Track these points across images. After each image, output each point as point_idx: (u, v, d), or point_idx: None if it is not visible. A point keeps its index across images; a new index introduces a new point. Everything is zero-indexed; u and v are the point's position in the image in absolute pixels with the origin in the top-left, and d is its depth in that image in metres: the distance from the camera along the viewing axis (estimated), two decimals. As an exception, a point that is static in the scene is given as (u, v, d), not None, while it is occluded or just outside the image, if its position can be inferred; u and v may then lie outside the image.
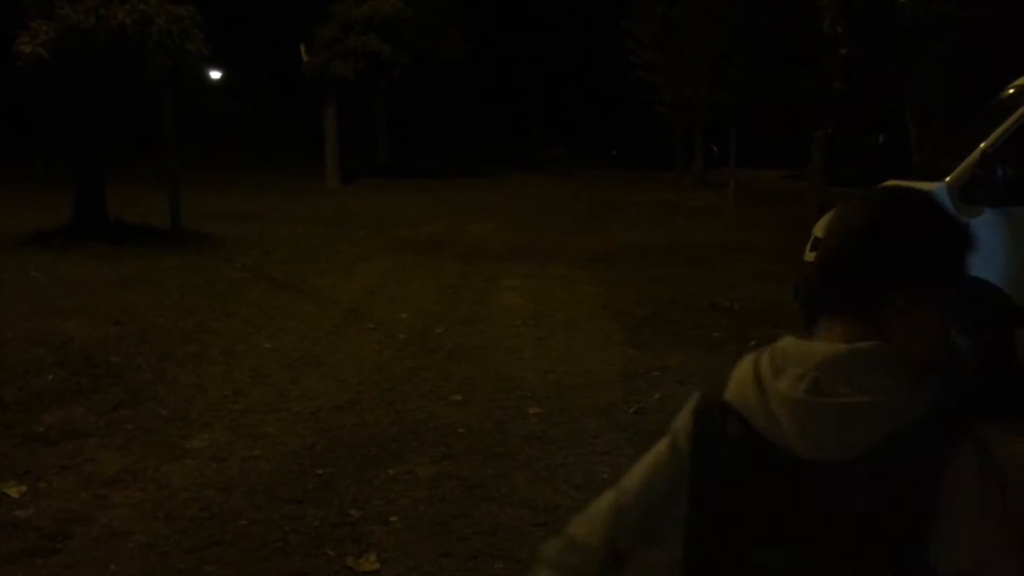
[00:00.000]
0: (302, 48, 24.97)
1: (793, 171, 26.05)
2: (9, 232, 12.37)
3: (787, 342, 1.21)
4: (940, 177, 6.04)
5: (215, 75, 29.14)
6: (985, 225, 5.77)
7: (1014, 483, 1.20)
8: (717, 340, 7.59)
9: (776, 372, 1.18)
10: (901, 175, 7.08)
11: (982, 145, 5.80)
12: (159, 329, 7.52)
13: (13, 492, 4.19)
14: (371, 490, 4.35)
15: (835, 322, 1.20)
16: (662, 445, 1.35)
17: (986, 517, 1.10)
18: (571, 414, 5.44)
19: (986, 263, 5.77)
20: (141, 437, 5.00)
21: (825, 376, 1.14)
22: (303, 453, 4.82)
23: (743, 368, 1.23)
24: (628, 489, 1.37)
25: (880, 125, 23.91)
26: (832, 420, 1.12)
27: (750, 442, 1.18)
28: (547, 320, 8.33)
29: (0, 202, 16.23)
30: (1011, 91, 6.32)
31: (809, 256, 6.74)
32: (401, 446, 4.96)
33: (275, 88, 38.35)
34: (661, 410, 5.59)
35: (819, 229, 6.77)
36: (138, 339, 7.13)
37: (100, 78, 12.05)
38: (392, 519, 4.04)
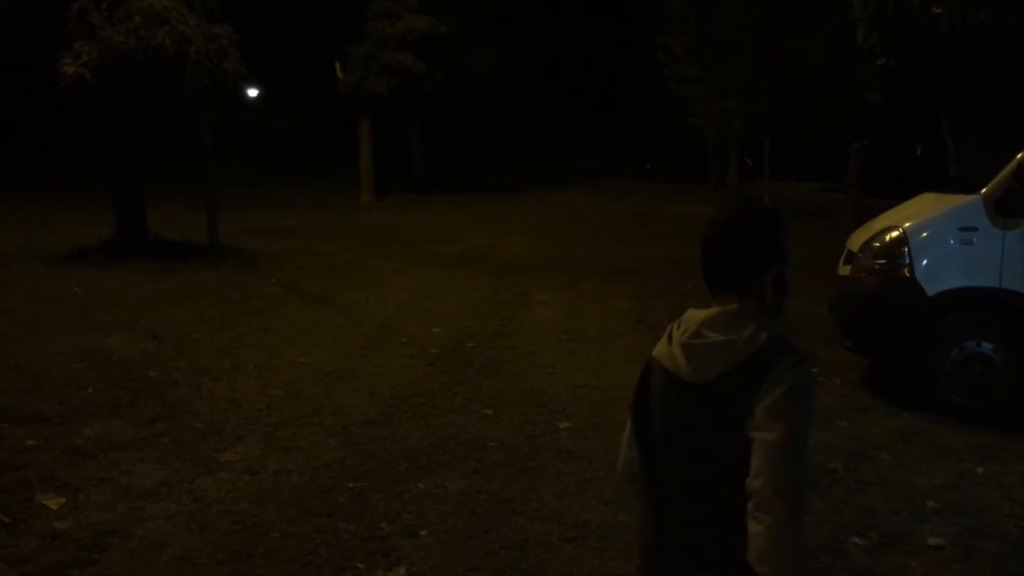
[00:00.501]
0: (337, 65, 25.29)
1: (830, 183, 25.80)
2: (52, 249, 12.66)
3: (689, 312, 1.82)
4: (976, 189, 5.97)
5: (252, 93, 29.58)
6: (1021, 238, 5.69)
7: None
8: (750, 354, 7.53)
9: (678, 330, 1.81)
10: (937, 187, 7.00)
11: (1019, 156, 5.72)
12: (196, 344, 7.65)
13: (53, 504, 4.28)
14: (401, 504, 4.38)
15: (718, 295, 1.80)
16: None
17: (781, 400, 1.64)
18: (602, 429, 5.43)
19: (1022, 276, 5.69)
20: (177, 450, 5.09)
21: (703, 328, 1.75)
22: (335, 466, 4.87)
23: (665, 334, 1.84)
24: (626, 431, 1.98)
25: (917, 136, 23.62)
26: (703, 353, 1.73)
27: (665, 379, 1.80)
28: (579, 334, 8.32)
29: (44, 220, 16.62)
30: (1049, 101, 6.23)
31: (843, 270, 6.68)
32: (431, 460, 4.99)
33: (311, 105, 38.82)
34: (692, 425, 5.56)
35: (853, 242, 6.71)
36: (175, 353, 7.25)
37: (140, 97, 12.31)
38: (422, 533, 4.07)
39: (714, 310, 1.77)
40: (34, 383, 6.27)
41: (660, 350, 1.83)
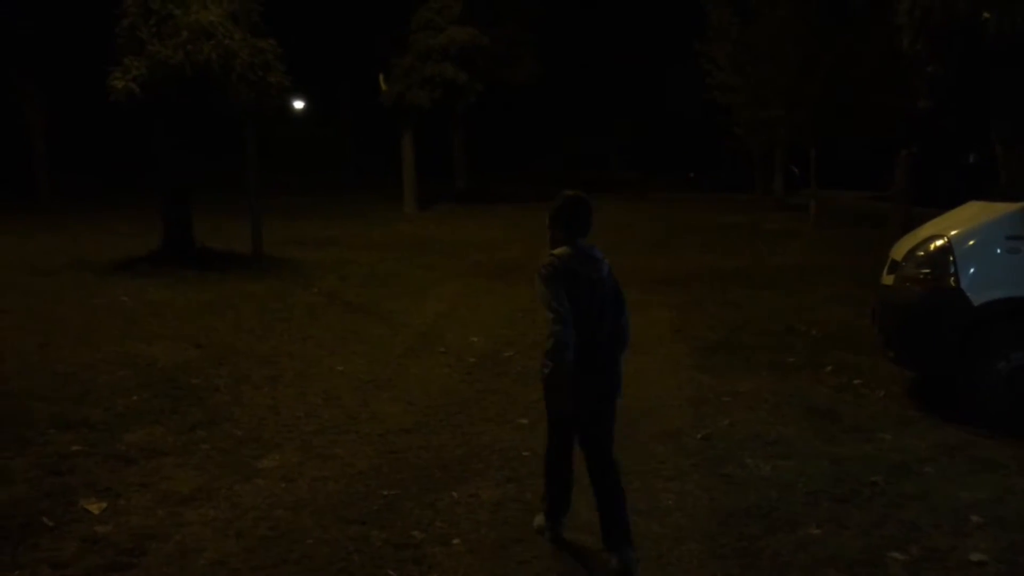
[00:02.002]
0: (381, 77, 25.56)
1: (878, 192, 25.37)
2: (102, 259, 12.98)
3: (568, 248, 3.74)
4: (1023, 197, 5.83)
5: (297, 105, 30.00)
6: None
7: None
8: (792, 365, 7.43)
9: (589, 254, 3.79)
10: (985, 195, 6.84)
11: (1068, 163, 5.57)
12: (238, 352, 7.76)
13: (95, 509, 4.36)
14: (434, 512, 4.39)
15: (583, 236, 3.82)
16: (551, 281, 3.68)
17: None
18: (637, 439, 5.39)
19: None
20: (216, 457, 5.16)
21: (595, 253, 3.82)
22: (370, 474, 4.90)
23: (565, 255, 3.72)
24: (558, 297, 3.65)
25: (969, 144, 23.14)
26: (602, 265, 3.83)
27: (574, 276, 3.68)
28: (617, 344, 8.26)
29: (95, 230, 17.04)
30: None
31: (887, 279, 6.56)
32: (466, 469, 5.00)
33: (355, 117, 39.28)
34: (730, 437, 5.50)
35: (897, 251, 6.59)
36: (217, 362, 7.37)
37: (187, 110, 12.57)
38: (454, 541, 4.07)
39: (589, 244, 3.79)
40: (81, 389, 6.42)
41: (572, 260, 3.69)
